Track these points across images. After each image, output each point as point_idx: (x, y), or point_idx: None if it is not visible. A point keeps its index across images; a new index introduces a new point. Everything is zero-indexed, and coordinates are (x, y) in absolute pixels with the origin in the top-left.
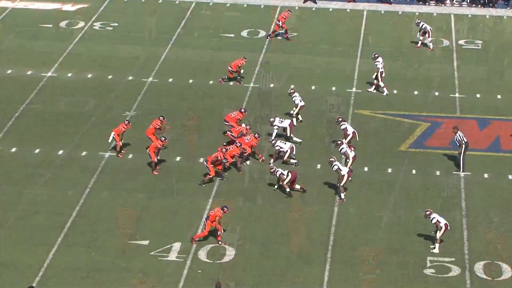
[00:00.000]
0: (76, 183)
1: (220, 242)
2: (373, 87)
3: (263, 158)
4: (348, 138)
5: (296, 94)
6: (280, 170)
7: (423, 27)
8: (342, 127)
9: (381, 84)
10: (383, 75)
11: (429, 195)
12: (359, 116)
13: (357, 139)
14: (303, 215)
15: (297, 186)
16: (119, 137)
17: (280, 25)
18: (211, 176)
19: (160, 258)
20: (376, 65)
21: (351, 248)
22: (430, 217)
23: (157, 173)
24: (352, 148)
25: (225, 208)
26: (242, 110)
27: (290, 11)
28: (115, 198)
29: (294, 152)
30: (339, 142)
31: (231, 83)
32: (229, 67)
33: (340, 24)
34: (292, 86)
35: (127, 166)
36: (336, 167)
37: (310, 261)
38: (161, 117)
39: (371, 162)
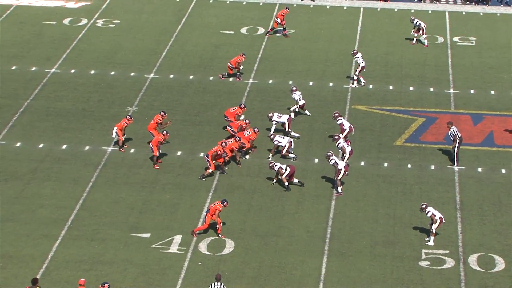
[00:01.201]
0: (79, 177)
1: (220, 235)
2: (362, 81)
3: (255, 151)
4: (345, 133)
5: (297, 92)
6: (278, 164)
7: (417, 24)
8: (339, 122)
9: (355, 77)
10: (363, 70)
11: (424, 189)
12: (356, 111)
13: (353, 133)
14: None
15: (295, 180)
16: (122, 132)
17: (279, 22)
18: (211, 170)
19: (161, 251)
20: (356, 60)
21: (348, 241)
22: (425, 211)
23: (158, 167)
24: (349, 143)
25: (225, 202)
26: (242, 105)
27: (288, 9)
28: (117, 191)
29: (292, 147)
30: (336, 137)
31: (231, 79)
32: (228, 64)
33: (337, 21)
34: (292, 84)
35: (129, 161)
36: (333, 161)
37: (310, 253)
38: (162, 112)
39: (367, 157)
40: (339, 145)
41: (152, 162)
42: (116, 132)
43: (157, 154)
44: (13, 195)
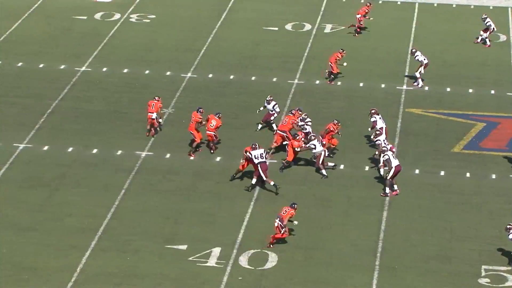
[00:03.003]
0: (111, 184)
1: (270, 245)
2: (419, 81)
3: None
4: (378, 132)
5: (272, 102)
6: (258, 151)
7: (487, 24)
8: (372, 119)
9: (417, 75)
10: (427, 67)
11: (483, 200)
12: (410, 115)
13: (385, 135)
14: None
15: (272, 182)
16: (158, 115)
17: (358, 18)
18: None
19: (198, 264)
20: (417, 59)
21: (400, 255)
22: (510, 232)
23: (193, 157)
24: (394, 149)
25: (295, 205)
26: (297, 109)
27: (370, 4)
28: (151, 200)
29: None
30: (377, 132)
31: (275, 79)
32: (328, 63)
33: (389, 17)
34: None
35: (164, 166)
36: (386, 157)
37: (357, 268)
38: (200, 109)
39: (422, 164)
40: (378, 142)
41: (191, 149)
42: (155, 116)
43: (199, 140)
44: (39, 203)
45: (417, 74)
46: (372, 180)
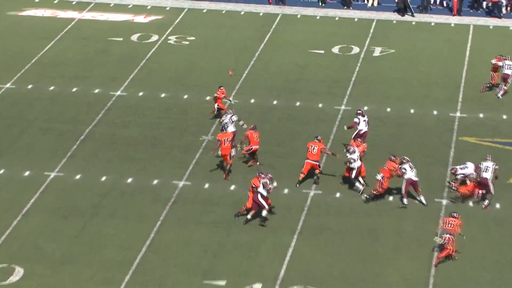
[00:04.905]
0: (147, 215)
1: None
2: (502, 91)
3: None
4: (356, 132)
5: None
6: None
7: None
8: (355, 120)
9: (501, 84)
10: (507, 80)
11: None
12: (464, 143)
13: (359, 139)
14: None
15: (248, 217)
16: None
17: None
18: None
19: None
20: (502, 65)
21: None
22: None
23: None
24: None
25: (455, 213)
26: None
27: None
28: (189, 232)
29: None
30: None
31: (322, 105)
32: (491, 73)
33: (442, 39)
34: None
35: (203, 197)
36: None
37: None
38: (223, 129)
39: None
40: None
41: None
42: (217, 106)
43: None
44: (73, 234)
45: (502, 84)
46: (423, 212)
